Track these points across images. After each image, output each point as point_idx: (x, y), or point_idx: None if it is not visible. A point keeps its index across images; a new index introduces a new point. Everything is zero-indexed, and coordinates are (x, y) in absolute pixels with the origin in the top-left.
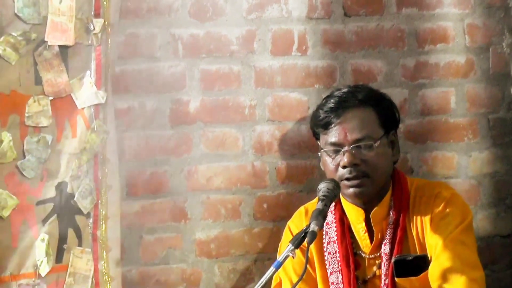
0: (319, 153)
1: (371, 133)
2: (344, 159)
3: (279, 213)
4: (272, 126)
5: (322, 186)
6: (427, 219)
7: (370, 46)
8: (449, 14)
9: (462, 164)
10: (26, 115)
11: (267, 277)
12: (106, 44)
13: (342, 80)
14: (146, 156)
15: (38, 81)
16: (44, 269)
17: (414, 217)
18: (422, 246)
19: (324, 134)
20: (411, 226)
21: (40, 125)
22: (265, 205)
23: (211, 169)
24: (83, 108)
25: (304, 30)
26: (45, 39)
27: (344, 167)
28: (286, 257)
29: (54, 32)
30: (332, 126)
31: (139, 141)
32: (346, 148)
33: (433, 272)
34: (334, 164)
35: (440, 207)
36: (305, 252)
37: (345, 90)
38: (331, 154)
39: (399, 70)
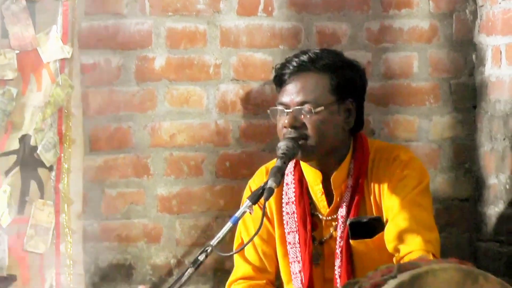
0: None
1: (316, 99)
2: (285, 120)
3: (241, 172)
4: (236, 85)
5: (282, 144)
6: (384, 181)
7: (335, 8)
8: None
9: (423, 127)
10: None
11: (225, 232)
12: (72, 0)
13: (307, 41)
14: (110, 111)
15: (5, 34)
16: (5, 220)
17: (373, 180)
18: (379, 209)
19: (278, 92)
20: (369, 189)
21: (5, 78)
22: (227, 163)
23: (175, 126)
24: (48, 62)
25: None
26: None
27: (284, 127)
28: (244, 212)
29: None
30: (284, 86)
31: (103, 97)
32: (291, 109)
33: (389, 233)
34: (281, 123)
35: (398, 170)
36: (266, 215)
37: (306, 54)
38: (280, 113)
39: (363, 34)
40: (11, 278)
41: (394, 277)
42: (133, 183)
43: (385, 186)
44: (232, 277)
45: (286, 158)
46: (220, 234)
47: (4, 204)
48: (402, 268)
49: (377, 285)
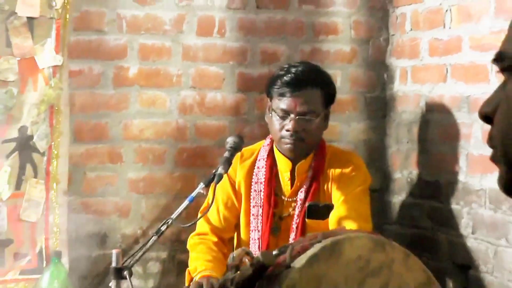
0: (267, 111)
1: (314, 109)
2: (290, 125)
3: (196, 162)
4: (194, 92)
5: (230, 140)
6: (336, 177)
7: (276, 33)
8: (339, 12)
9: (343, 131)
10: None
11: (182, 208)
12: (64, 18)
13: (252, 59)
14: (92, 109)
15: (8, 44)
16: (5, 195)
17: (328, 175)
18: (330, 198)
19: (278, 100)
20: (324, 181)
21: (8, 80)
22: (184, 155)
23: (143, 123)
24: (43, 68)
25: (224, 17)
26: (16, 11)
27: (287, 130)
28: (198, 193)
29: (23, 5)
30: (286, 96)
31: (86, 97)
32: (292, 116)
33: (332, 218)
34: (280, 125)
35: (348, 170)
36: (233, 188)
37: (300, 68)
38: (280, 116)
39: (298, 54)
40: (8, 241)
41: (319, 241)
42: (109, 168)
43: (336, 181)
44: (191, 234)
45: (233, 150)
46: (178, 210)
47: (5, 181)
48: (325, 235)
49: (306, 248)
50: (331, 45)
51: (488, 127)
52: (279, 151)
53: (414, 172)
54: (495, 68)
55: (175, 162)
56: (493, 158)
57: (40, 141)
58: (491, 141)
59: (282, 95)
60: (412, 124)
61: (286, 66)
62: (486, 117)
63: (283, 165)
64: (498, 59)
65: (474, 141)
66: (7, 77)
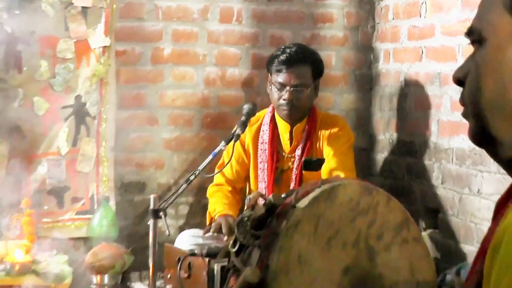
0: (269, 83)
1: (305, 82)
2: (286, 95)
3: (217, 125)
4: (216, 68)
5: (245, 107)
6: (326, 137)
7: (282, 21)
8: (334, 4)
9: (336, 101)
10: (57, 50)
11: (207, 162)
12: (111, 8)
13: (263, 42)
14: (134, 82)
15: (67, 28)
16: (64, 150)
17: (319, 135)
18: (321, 154)
19: (276, 75)
20: (316, 140)
21: (66, 57)
22: (208, 119)
23: (175, 94)
24: (95, 48)
25: (241, 8)
26: (72, 2)
27: (284, 100)
28: (219, 149)
29: None
30: (282, 72)
31: (129, 72)
32: (288, 88)
33: (324, 169)
34: (278, 95)
35: (335, 131)
36: (243, 148)
37: (293, 49)
38: (278, 88)
39: (300, 38)
40: (66, 188)
41: (319, 187)
42: (147, 129)
43: (326, 139)
44: (210, 185)
45: (248, 115)
46: (204, 163)
47: (63, 139)
48: (324, 182)
49: (308, 192)
50: (327, 31)
51: (456, 97)
52: (280, 116)
53: (394, 134)
54: (462, 49)
55: (200, 125)
56: (464, 114)
57: (92, 107)
58: (462, 100)
59: (279, 71)
60: (393, 95)
61: (282, 47)
62: (459, 81)
63: (283, 128)
64: (469, 33)
65: (444, 109)
66: (66, 56)
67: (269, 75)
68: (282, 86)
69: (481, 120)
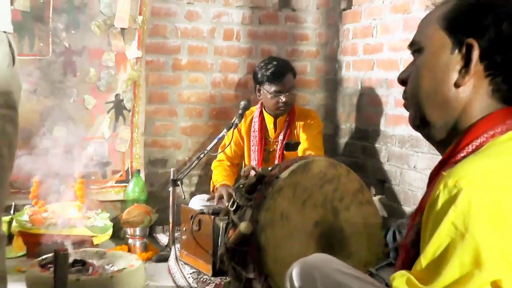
0: (258, 90)
1: (293, 85)
2: (284, 99)
3: (221, 116)
4: (221, 74)
5: (242, 103)
6: (302, 125)
7: (270, 39)
8: (309, 27)
9: (311, 99)
10: (102, 60)
11: (213, 144)
12: (143, 29)
13: (256, 54)
14: (159, 84)
15: (109, 44)
16: (106, 135)
17: (296, 124)
18: (298, 138)
19: (269, 85)
20: (294, 128)
21: (109, 65)
22: (214, 112)
23: (190, 93)
24: (130, 59)
25: (239, 29)
26: (114, 24)
27: (283, 103)
28: (222, 135)
29: (118, 20)
30: (275, 82)
31: (156, 77)
32: (284, 93)
33: (300, 150)
34: (275, 100)
35: (309, 121)
36: (240, 134)
37: (275, 62)
38: (273, 95)
39: (284, 52)
40: (108, 163)
41: (297, 162)
42: (169, 120)
43: (301, 127)
44: (214, 161)
45: (244, 109)
46: (211, 145)
47: (106, 126)
48: (301, 158)
49: (288, 166)
50: (304, 47)
51: (399, 96)
52: (266, 111)
53: (353, 124)
54: (403, 61)
55: (209, 116)
56: (405, 106)
57: (127, 102)
58: (405, 94)
59: (272, 82)
60: (352, 95)
61: (262, 64)
62: (402, 81)
63: (269, 120)
64: (411, 44)
65: (390, 106)
66: (108, 64)
67: (258, 86)
68: (278, 93)
69: (419, 109)
